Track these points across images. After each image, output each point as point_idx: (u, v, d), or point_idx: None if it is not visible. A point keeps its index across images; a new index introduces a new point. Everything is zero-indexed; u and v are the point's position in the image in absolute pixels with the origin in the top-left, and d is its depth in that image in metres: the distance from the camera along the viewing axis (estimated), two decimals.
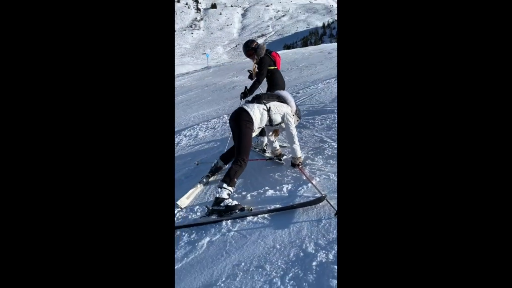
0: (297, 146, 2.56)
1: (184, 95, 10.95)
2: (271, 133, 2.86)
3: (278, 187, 2.25)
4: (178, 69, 31.46)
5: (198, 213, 2.27)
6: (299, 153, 2.55)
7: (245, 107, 2.50)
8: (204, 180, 2.79)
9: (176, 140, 4.92)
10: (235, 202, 2.11)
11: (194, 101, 9.48)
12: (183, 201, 2.50)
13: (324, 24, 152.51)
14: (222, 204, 2.10)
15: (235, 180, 2.23)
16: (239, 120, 2.41)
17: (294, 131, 2.59)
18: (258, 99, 2.66)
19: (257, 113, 2.48)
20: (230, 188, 2.18)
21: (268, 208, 1.98)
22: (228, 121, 2.87)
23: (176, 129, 6.00)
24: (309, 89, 6.05)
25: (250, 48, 3.65)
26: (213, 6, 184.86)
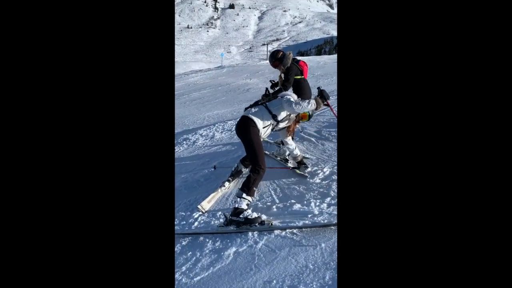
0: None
1: (197, 93, 10.93)
2: (286, 136, 2.79)
3: (305, 202, 2.20)
4: (191, 66, 31.55)
5: (221, 220, 2.23)
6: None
7: (244, 114, 2.49)
8: (225, 184, 2.75)
9: (193, 138, 4.89)
10: (255, 215, 2.05)
11: (208, 100, 9.45)
12: (204, 205, 2.46)
13: None
14: (241, 216, 2.04)
15: (254, 188, 2.17)
16: (242, 127, 2.37)
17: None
18: (255, 103, 2.63)
19: (257, 113, 2.43)
20: (249, 198, 2.12)
21: (296, 224, 1.93)
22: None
23: (191, 127, 5.98)
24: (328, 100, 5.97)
25: (275, 59, 3.59)
26: (231, 6, 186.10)
